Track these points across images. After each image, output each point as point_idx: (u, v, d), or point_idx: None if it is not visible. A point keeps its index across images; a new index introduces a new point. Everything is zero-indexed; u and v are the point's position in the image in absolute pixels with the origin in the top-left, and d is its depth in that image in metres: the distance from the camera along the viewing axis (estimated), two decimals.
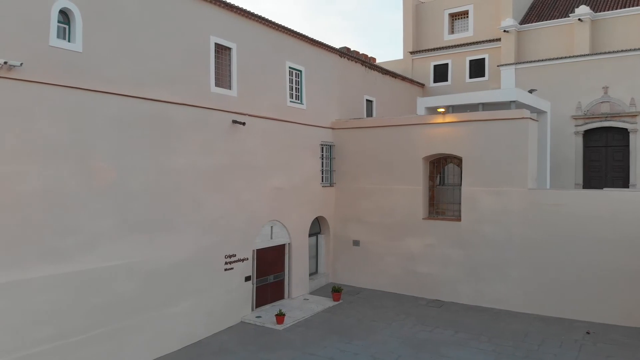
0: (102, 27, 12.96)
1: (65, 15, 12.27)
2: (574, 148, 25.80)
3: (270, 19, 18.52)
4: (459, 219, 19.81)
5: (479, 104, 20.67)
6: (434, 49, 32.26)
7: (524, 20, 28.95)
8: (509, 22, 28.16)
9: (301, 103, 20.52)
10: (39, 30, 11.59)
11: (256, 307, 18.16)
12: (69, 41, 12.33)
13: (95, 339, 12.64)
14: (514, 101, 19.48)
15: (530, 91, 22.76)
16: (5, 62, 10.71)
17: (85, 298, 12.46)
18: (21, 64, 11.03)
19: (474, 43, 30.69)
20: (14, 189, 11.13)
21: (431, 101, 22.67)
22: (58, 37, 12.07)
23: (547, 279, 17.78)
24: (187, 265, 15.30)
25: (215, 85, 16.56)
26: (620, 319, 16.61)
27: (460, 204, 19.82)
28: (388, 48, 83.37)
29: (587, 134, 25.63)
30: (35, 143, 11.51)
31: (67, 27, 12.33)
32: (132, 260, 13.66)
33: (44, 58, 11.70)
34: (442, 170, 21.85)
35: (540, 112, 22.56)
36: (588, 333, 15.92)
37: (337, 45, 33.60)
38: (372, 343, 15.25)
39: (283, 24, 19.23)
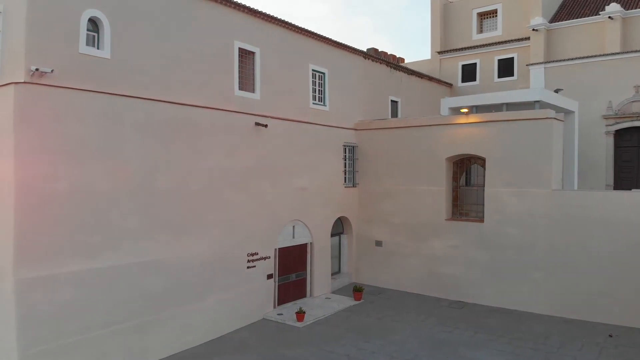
0: (129, 35, 13.56)
1: (94, 24, 12.89)
2: (605, 148, 25.26)
3: (293, 22, 18.91)
4: (482, 220, 19.74)
5: (503, 104, 20.52)
6: (462, 49, 32.07)
7: (554, 19, 28.49)
8: (538, 20, 27.76)
9: (324, 105, 20.82)
10: (69, 38, 12.23)
11: (278, 305, 18.57)
12: (97, 48, 12.94)
13: (121, 332, 13.24)
14: (538, 101, 19.28)
15: (557, 91, 22.43)
16: (37, 69, 11.38)
17: (113, 293, 13.06)
18: (52, 71, 11.68)
19: (502, 42, 30.37)
20: (46, 188, 11.78)
21: (455, 101, 22.63)
22: (87, 44, 12.68)
23: (571, 281, 17.57)
24: (211, 263, 15.81)
25: (239, 89, 17.03)
26: None
27: (483, 205, 19.75)
28: (420, 48, 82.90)
29: (618, 134, 25.06)
30: (65, 145, 12.15)
31: (96, 35, 12.95)
32: (158, 257, 14.23)
33: (74, 65, 12.33)
34: (467, 171, 21.80)
35: (567, 112, 22.22)
36: (611, 336, 15.68)
37: (366, 46, 33.96)
38: (390, 342, 15.43)
39: (306, 27, 19.59)
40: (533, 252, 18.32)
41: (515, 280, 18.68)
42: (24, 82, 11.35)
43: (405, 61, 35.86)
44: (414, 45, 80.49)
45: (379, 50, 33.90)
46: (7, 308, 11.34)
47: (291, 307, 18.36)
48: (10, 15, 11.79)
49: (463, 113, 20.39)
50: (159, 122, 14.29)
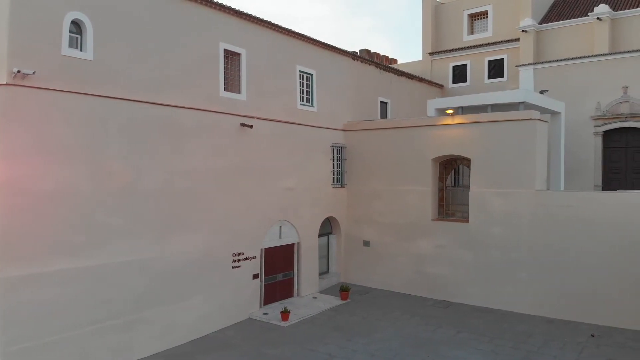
0: (112, 36, 13.71)
1: (77, 26, 13.05)
2: (594, 149, 25.43)
3: (280, 24, 19.06)
4: (467, 220, 19.90)
5: (488, 105, 20.68)
6: (453, 50, 32.24)
7: (544, 20, 28.65)
8: (527, 22, 27.92)
9: (312, 106, 20.99)
10: (52, 40, 12.38)
11: (264, 305, 18.72)
12: (80, 50, 13.10)
13: (107, 329, 13.39)
14: (522, 102, 19.42)
15: (542, 92, 22.58)
16: (18, 71, 11.54)
17: (97, 291, 13.21)
18: (34, 72, 11.83)
19: (493, 43, 30.56)
20: (31, 189, 11.93)
21: (441, 102, 22.78)
22: (70, 46, 12.83)
23: (555, 281, 17.72)
24: (196, 263, 15.96)
25: (225, 90, 17.18)
26: (627, 322, 16.44)
27: (468, 205, 19.91)
28: (418, 49, 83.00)
29: (607, 135, 25.23)
30: (50, 146, 12.30)
31: (79, 37, 13.11)
32: (142, 256, 14.37)
33: (57, 66, 12.48)
34: (455, 172, 21.96)
35: (554, 113, 22.40)
36: (593, 336, 15.84)
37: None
38: (372, 341, 15.58)
39: (293, 29, 19.73)
40: (518, 252, 18.48)
41: (500, 280, 18.84)
42: (6, 84, 11.50)
43: (399, 62, 36.08)
44: (412, 46, 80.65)
45: (372, 51, 34.13)
46: None
47: (277, 307, 18.50)
48: None
49: (449, 114, 20.56)
50: (143, 123, 14.44)
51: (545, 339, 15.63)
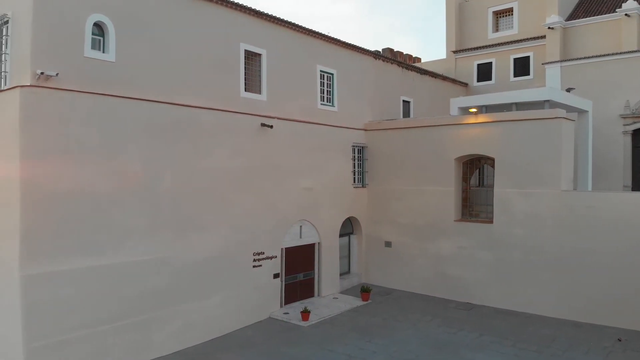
0: (134, 38, 13.90)
1: (99, 28, 13.26)
2: (623, 148, 24.77)
3: (300, 24, 19.05)
4: (491, 221, 19.55)
5: (513, 103, 20.29)
6: (477, 48, 31.76)
7: (571, 17, 28.02)
8: (553, 18, 27.32)
9: (332, 105, 20.92)
10: (75, 42, 12.61)
11: (285, 304, 18.74)
12: (102, 52, 13.31)
13: (125, 327, 13.57)
14: (547, 100, 19.00)
15: (568, 90, 22.07)
16: (42, 73, 11.77)
17: (116, 289, 13.41)
18: (57, 74, 12.06)
19: (518, 41, 29.97)
20: (51, 188, 12.16)
21: (464, 101, 22.47)
22: (92, 48, 13.06)
23: (581, 283, 17.26)
24: (216, 262, 16.06)
25: (245, 90, 17.25)
26: None
27: (492, 205, 19.56)
28: (442, 48, 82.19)
29: (637, 134, 24.54)
30: (70, 147, 12.52)
31: (101, 39, 13.33)
32: (161, 255, 14.53)
33: (80, 68, 12.71)
34: (479, 172, 21.62)
35: (580, 112, 21.86)
36: (619, 340, 15.37)
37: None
38: (392, 342, 15.44)
39: (314, 29, 19.71)
40: (542, 253, 18.06)
41: (524, 282, 18.45)
42: (30, 86, 11.75)
43: (422, 61, 35.74)
44: (436, 44, 79.88)
45: (395, 50, 33.93)
46: (13, 303, 11.78)
47: (298, 307, 18.48)
48: (18, 20, 12.22)
49: (472, 113, 20.24)
50: (163, 124, 14.59)
51: (570, 343, 15.24)
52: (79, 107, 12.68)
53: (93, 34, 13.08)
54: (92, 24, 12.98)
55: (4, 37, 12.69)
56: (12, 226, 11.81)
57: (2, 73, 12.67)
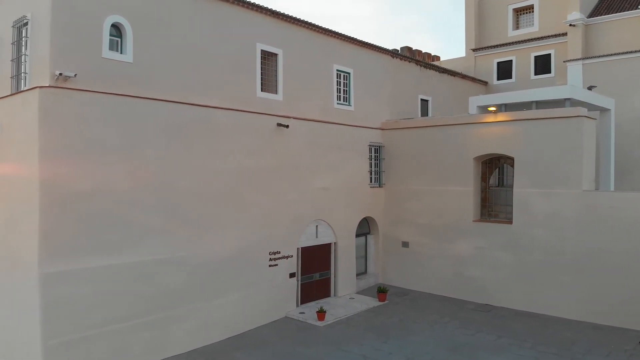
0: (151, 39, 14.02)
1: (117, 29, 13.40)
2: None
3: (316, 23, 18.99)
4: (510, 221, 19.25)
5: (532, 102, 19.95)
6: (497, 46, 31.32)
7: (593, 14, 27.45)
8: (575, 15, 26.81)
9: (349, 105, 20.83)
10: (93, 43, 12.77)
11: (301, 304, 18.73)
12: (120, 53, 13.45)
13: (143, 325, 13.70)
14: (568, 99, 18.63)
15: (590, 88, 21.62)
16: (60, 74, 11.94)
17: (133, 288, 13.53)
18: (75, 75, 12.22)
19: (539, 38, 29.49)
20: (70, 188, 12.33)
21: (483, 100, 22.17)
22: (110, 49, 13.21)
23: (602, 285, 16.89)
24: (232, 261, 16.11)
25: (261, 90, 17.27)
26: None
27: (512, 205, 19.26)
28: (460, 46, 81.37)
29: None
30: (88, 147, 12.67)
31: (119, 39, 13.46)
32: (179, 254, 14.63)
33: (97, 69, 12.87)
34: (499, 171, 21.30)
35: (603, 110, 21.40)
36: None
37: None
38: (408, 344, 15.30)
39: (330, 28, 19.64)
40: (562, 254, 17.73)
41: (543, 283, 18.12)
42: (49, 86, 11.93)
43: (441, 59, 35.40)
44: (456, 43, 79.17)
45: (413, 48, 33.67)
46: (32, 300, 11.97)
47: (314, 306, 18.45)
48: (37, 22, 12.42)
49: (491, 111, 19.96)
50: (180, 124, 14.69)
51: (590, 346, 14.93)
52: (97, 107, 12.83)
53: (111, 35, 13.23)
54: (110, 25, 13.13)
55: (23, 39, 12.94)
56: (31, 225, 12.01)
57: (22, 74, 12.92)
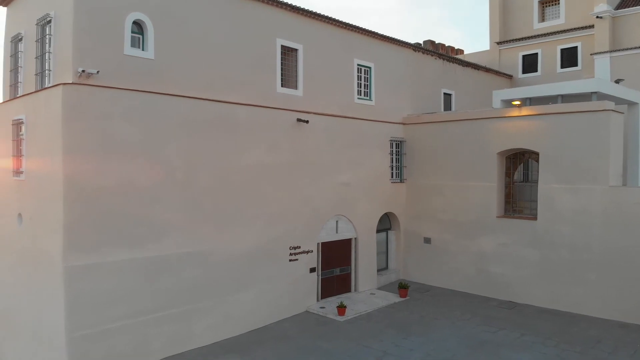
0: (172, 35, 14.14)
1: (138, 26, 13.55)
2: None
3: (336, 18, 18.90)
4: (535, 217, 18.90)
5: (558, 95, 19.51)
6: (522, 39, 30.71)
7: (621, 5, 26.69)
8: (602, 7, 26.10)
9: (370, 99, 20.70)
10: (115, 40, 12.95)
11: (322, 298, 18.74)
12: (142, 49, 13.61)
13: (165, 318, 13.90)
14: (595, 92, 18.16)
15: (617, 81, 21.04)
16: (83, 71, 12.13)
17: (156, 281, 13.73)
18: (98, 72, 12.41)
19: (565, 31, 28.81)
20: (93, 183, 12.55)
21: (507, 93, 21.77)
22: (132, 46, 13.37)
23: (629, 282, 16.47)
24: (254, 255, 16.21)
25: (282, 86, 17.29)
26: None
27: (537, 201, 18.90)
28: (484, 39, 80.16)
29: None
30: (111, 142, 12.86)
31: (140, 36, 13.61)
32: (200, 249, 14.78)
33: (120, 66, 13.05)
34: (523, 166, 20.91)
35: (631, 104, 20.82)
36: None
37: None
38: (429, 340, 15.18)
39: (350, 22, 19.51)
40: (588, 251, 17.34)
41: (569, 280, 17.76)
42: (72, 83, 12.13)
43: (465, 53, 34.88)
44: (481, 36, 78.04)
45: (436, 42, 33.21)
46: (56, 293, 12.24)
47: (334, 301, 18.44)
48: (60, 20, 12.63)
49: (515, 105, 19.59)
50: (201, 120, 14.79)
51: (615, 345, 14.58)
52: (119, 103, 13.01)
53: (132, 32, 13.39)
54: (132, 22, 13.29)
55: (47, 36, 13.18)
56: (56, 219, 12.26)
57: (46, 71, 13.16)
